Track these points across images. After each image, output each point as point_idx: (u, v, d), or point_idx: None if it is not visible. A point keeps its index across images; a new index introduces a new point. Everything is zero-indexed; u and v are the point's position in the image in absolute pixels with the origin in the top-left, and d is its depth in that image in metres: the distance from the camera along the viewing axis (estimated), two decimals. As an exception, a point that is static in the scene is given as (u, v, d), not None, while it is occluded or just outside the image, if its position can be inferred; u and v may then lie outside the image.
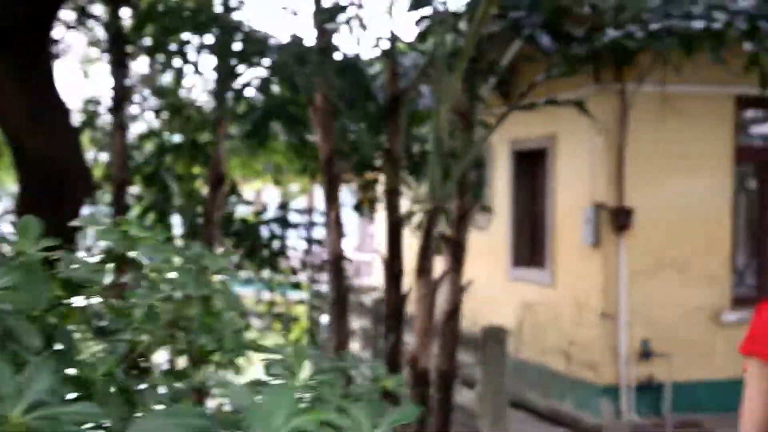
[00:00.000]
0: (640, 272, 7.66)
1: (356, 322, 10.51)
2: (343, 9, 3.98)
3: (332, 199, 4.63)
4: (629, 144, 7.60)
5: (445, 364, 4.39)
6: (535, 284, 8.73)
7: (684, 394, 7.71)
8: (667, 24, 3.50)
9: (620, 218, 7.58)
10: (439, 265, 4.96)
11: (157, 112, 6.59)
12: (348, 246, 16.58)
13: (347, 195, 7.68)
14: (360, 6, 4.09)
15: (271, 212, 8.06)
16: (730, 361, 7.65)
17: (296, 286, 8.34)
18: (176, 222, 7.03)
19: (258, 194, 19.27)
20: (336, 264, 4.78)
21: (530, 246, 8.95)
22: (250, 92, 4.26)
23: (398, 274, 4.48)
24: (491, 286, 9.46)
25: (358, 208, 6.96)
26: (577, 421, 7.91)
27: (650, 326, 7.72)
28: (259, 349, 1.72)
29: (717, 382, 7.58)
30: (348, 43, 4.11)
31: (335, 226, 4.65)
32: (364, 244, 16.21)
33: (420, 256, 3.90)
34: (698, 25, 3.52)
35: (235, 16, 4.95)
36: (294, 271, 8.07)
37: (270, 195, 18.47)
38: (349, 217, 7.83)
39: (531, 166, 8.72)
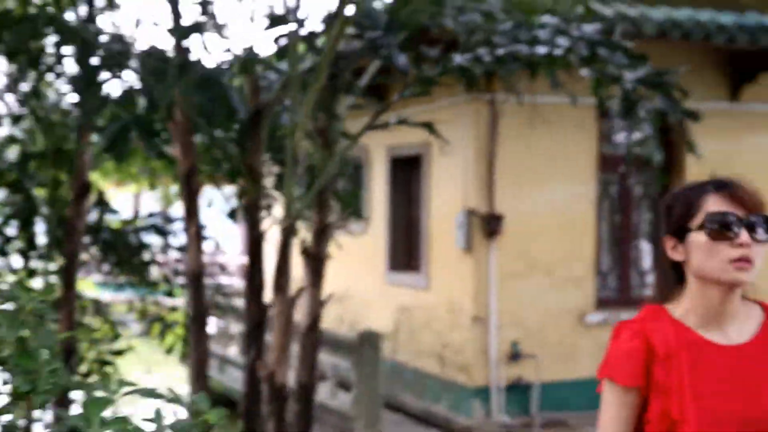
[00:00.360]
0: (510, 276, 7.90)
1: (236, 327, 10.48)
2: (201, 26, 3.96)
3: (192, 214, 4.61)
4: (499, 152, 7.82)
5: (305, 376, 4.44)
6: (411, 288, 8.89)
7: (551, 394, 8.00)
8: (513, 49, 3.64)
9: (491, 224, 7.81)
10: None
11: (18, 118, 6.39)
12: (233, 248, 16.43)
13: (223, 200, 7.63)
14: (218, 21, 4.08)
15: (143, 219, 7.95)
16: (594, 361, 7.97)
17: (169, 293, 8.24)
18: (41, 230, 6.86)
19: (136, 198, 18.85)
20: (195, 280, 4.76)
21: (407, 250, 9.10)
22: (111, 103, 4.20)
23: (259, 289, 4.49)
24: (369, 290, 9.58)
25: (232, 215, 6.93)
26: (450, 422, 8.09)
27: (519, 328, 7.98)
28: (80, 387, 1.72)
29: (582, 381, 7.88)
30: (208, 56, 4.08)
31: (195, 241, 4.62)
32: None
33: (276, 272, 3.93)
34: (542, 50, 3.68)
35: (100, 22, 4.88)
36: (167, 279, 7.97)
37: (148, 198, 18.10)
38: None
39: (407, 172, 8.87)
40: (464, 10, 3.90)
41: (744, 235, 1.87)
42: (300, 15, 3.85)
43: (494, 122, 7.71)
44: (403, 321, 9.00)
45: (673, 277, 2.01)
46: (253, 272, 4.28)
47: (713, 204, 1.91)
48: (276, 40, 3.77)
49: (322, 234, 4.12)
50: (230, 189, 7.22)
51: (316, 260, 4.19)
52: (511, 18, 4.04)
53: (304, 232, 4.88)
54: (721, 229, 1.88)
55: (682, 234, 1.95)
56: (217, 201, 7.69)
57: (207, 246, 7.39)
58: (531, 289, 7.96)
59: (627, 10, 7.20)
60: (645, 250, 8.67)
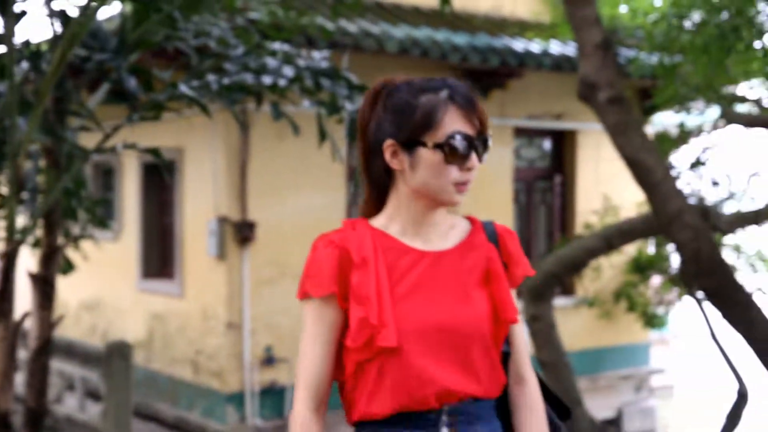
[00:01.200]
0: (263, 282, 8.05)
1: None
2: None
3: None
4: (252, 161, 7.94)
5: (33, 401, 4.33)
6: (165, 295, 8.81)
7: (304, 395, 8.23)
8: (240, 79, 3.75)
9: (243, 231, 7.91)
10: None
11: None
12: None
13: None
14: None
15: None
16: (344, 362, 8.32)
17: None
18: None
19: None
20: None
21: (160, 257, 9.00)
22: None
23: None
24: (121, 298, 9.39)
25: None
26: (204, 429, 8.12)
27: (273, 333, 8.14)
28: None
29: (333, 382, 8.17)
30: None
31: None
32: None
33: (-1, 298, 3.81)
34: (267, 80, 3.83)
35: None
36: None
37: None
38: None
39: (160, 178, 8.78)
40: (199, 34, 3.95)
41: (474, 160, 1.83)
42: (20, 35, 3.74)
43: (245, 131, 7.80)
44: (156, 329, 8.90)
45: (383, 184, 1.90)
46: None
47: (453, 121, 1.82)
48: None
49: (51, 257, 4.03)
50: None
51: (44, 283, 4.09)
52: (246, 41, 4.15)
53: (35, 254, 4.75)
54: (458, 152, 1.80)
55: (412, 145, 1.83)
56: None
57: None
58: (284, 295, 8.14)
59: (371, 27, 7.55)
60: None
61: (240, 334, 8.01)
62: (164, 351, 8.79)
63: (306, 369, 1.86)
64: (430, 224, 1.89)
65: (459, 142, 1.80)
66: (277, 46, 3.96)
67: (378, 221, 1.91)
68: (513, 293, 1.94)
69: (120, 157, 9.12)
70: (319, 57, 4.09)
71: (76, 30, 3.44)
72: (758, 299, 5.97)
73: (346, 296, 1.83)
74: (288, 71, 3.81)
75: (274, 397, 8.16)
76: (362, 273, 1.82)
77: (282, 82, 3.82)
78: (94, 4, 3.47)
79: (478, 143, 1.84)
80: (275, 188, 8.08)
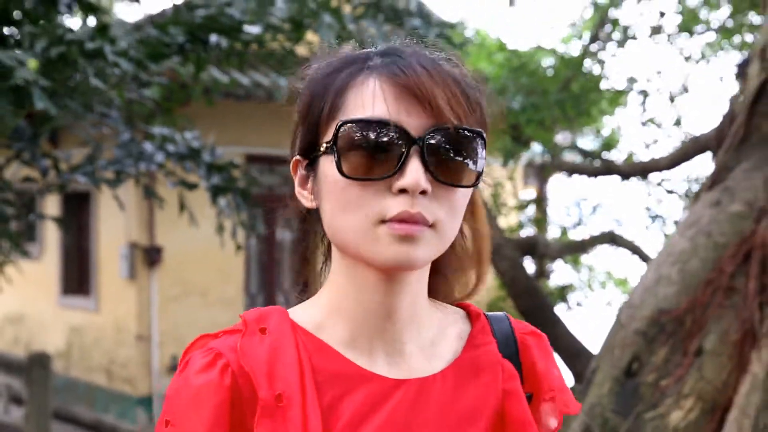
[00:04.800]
0: (170, 299, 9.15)
1: None
2: None
3: None
4: (160, 190, 9.03)
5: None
6: (82, 311, 9.84)
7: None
8: (121, 166, 4.81)
9: (152, 255, 9.00)
10: None
11: None
12: None
13: None
14: None
15: None
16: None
17: None
18: None
19: None
20: None
21: (78, 277, 10.03)
22: None
23: None
24: (43, 312, 10.39)
25: None
26: (117, 430, 9.19)
27: (179, 344, 9.23)
28: None
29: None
30: None
31: None
32: None
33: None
34: (142, 166, 4.92)
35: None
36: None
37: None
38: None
39: (79, 206, 9.80)
40: (96, 123, 5.01)
41: (413, 170, 0.96)
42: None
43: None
44: (74, 340, 9.93)
45: (311, 241, 1.13)
46: None
47: (367, 102, 0.99)
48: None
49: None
50: None
51: None
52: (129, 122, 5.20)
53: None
54: (366, 155, 0.97)
55: (312, 156, 1.04)
56: None
57: None
58: (188, 310, 9.25)
59: (262, 79, 8.70)
60: (287, 273, 10.30)
61: (149, 345, 9.09)
62: (81, 360, 9.83)
63: None
64: (398, 323, 1.05)
65: (359, 132, 0.97)
66: (156, 129, 5.05)
67: (308, 314, 1.08)
68: None
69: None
70: (191, 137, 5.19)
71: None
72: (568, 317, 7.33)
73: None
74: (160, 157, 4.89)
75: (180, 400, 9.28)
76: (275, 422, 0.99)
77: (153, 167, 4.92)
78: None
79: (435, 138, 0.97)
80: (180, 217, 9.17)
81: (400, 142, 0.96)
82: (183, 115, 6.11)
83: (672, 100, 8.59)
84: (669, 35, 8.80)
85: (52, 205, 10.17)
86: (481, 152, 1.00)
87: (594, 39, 8.49)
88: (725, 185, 4.18)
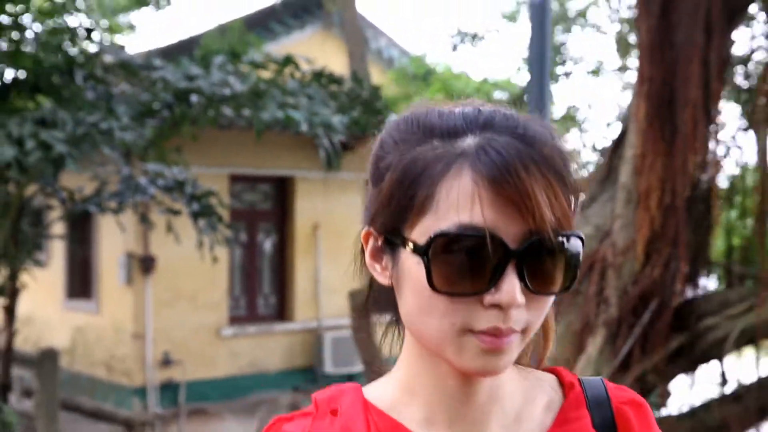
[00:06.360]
0: (162, 303, 10.42)
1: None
2: None
3: None
4: (152, 213, 10.30)
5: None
6: (85, 312, 11.12)
7: (195, 390, 10.62)
8: (123, 198, 6.00)
9: (146, 264, 10.27)
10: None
11: None
12: None
13: None
14: None
15: None
16: (226, 363, 10.77)
17: None
18: None
19: None
20: None
21: (81, 282, 11.31)
22: None
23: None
24: (50, 314, 11.66)
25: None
26: (115, 416, 10.43)
27: (170, 342, 10.51)
28: None
29: (218, 379, 10.63)
30: None
31: None
32: None
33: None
34: (138, 197, 6.13)
35: None
36: None
37: None
38: None
39: (83, 221, 11.08)
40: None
41: (509, 285, 0.88)
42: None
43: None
44: (78, 339, 11.21)
45: (386, 306, 1.03)
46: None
47: (464, 203, 0.89)
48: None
49: (14, 292, 6.20)
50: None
51: (8, 311, 6.30)
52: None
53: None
54: (458, 266, 0.89)
55: (393, 241, 0.95)
56: None
57: None
58: (179, 312, 10.52)
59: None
60: (267, 277, 11.58)
61: (144, 343, 10.36)
62: (84, 356, 11.11)
63: None
64: (478, 402, 0.98)
65: (453, 244, 0.89)
66: (150, 166, 6.27)
67: (382, 392, 1.03)
68: None
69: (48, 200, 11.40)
70: (177, 172, 6.42)
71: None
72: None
73: None
74: (152, 189, 6.11)
75: (171, 391, 10.54)
76: None
77: (146, 198, 6.15)
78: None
79: (524, 253, 0.89)
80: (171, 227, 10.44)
81: (496, 254, 0.87)
82: (173, 146, 7.38)
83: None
84: (608, 69, 9.99)
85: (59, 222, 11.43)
86: (580, 252, 0.92)
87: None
88: (585, 213, 5.46)
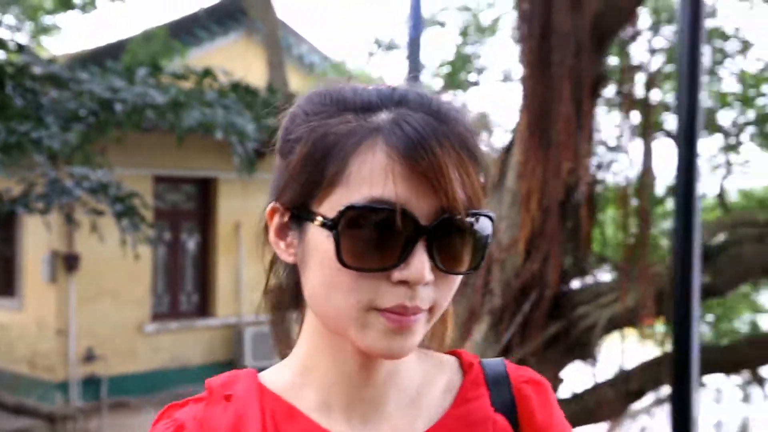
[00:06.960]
0: (86, 300, 10.71)
1: None
2: None
3: None
4: (77, 213, 10.61)
5: None
6: (8, 310, 11.33)
7: (118, 384, 10.94)
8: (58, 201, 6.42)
9: (70, 261, 10.56)
10: None
11: None
12: None
13: None
14: None
15: None
16: (149, 358, 11.12)
17: None
18: None
19: None
20: None
21: (4, 280, 11.51)
22: None
23: None
24: (-28, 311, 11.83)
25: None
26: (38, 410, 10.70)
27: (93, 337, 10.81)
28: None
29: (140, 373, 10.97)
30: None
31: None
32: None
33: None
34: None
35: None
36: None
37: None
38: None
39: (6, 219, 11.27)
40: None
41: (419, 262, 0.88)
42: None
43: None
44: (1, 336, 11.41)
45: (289, 290, 1.02)
46: None
47: (375, 177, 0.88)
48: None
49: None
50: None
51: None
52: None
53: None
54: (368, 241, 0.88)
55: (300, 216, 0.94)
56: None
57: None
58: (102, 308, 10.83)
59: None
60: (190, 275, 11.96)
61: (67, 339, 10.64)
62: (7, 353, 11.32)
63: None
64: (377, 384, 0.99)
65: (363, 218, 0.88)
66: (76, 169, 6.64)
67: (279, 377, 1.02)
68: None
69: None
70: (101, 174, 6.80)
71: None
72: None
73: None
74: (77, 192, 6.46)
75: (94, 385, 10.84)
76: None
77: (72, 199, 6.51)
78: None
79: (434, 230, 0.89)
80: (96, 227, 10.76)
81: (406, 230, 0.86)
82: (98, 149, 7.73)
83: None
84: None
85: (-19, 218, 11.63)
86: (490, 233, 0.91)
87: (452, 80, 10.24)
88: (478, 214, 6.04)
